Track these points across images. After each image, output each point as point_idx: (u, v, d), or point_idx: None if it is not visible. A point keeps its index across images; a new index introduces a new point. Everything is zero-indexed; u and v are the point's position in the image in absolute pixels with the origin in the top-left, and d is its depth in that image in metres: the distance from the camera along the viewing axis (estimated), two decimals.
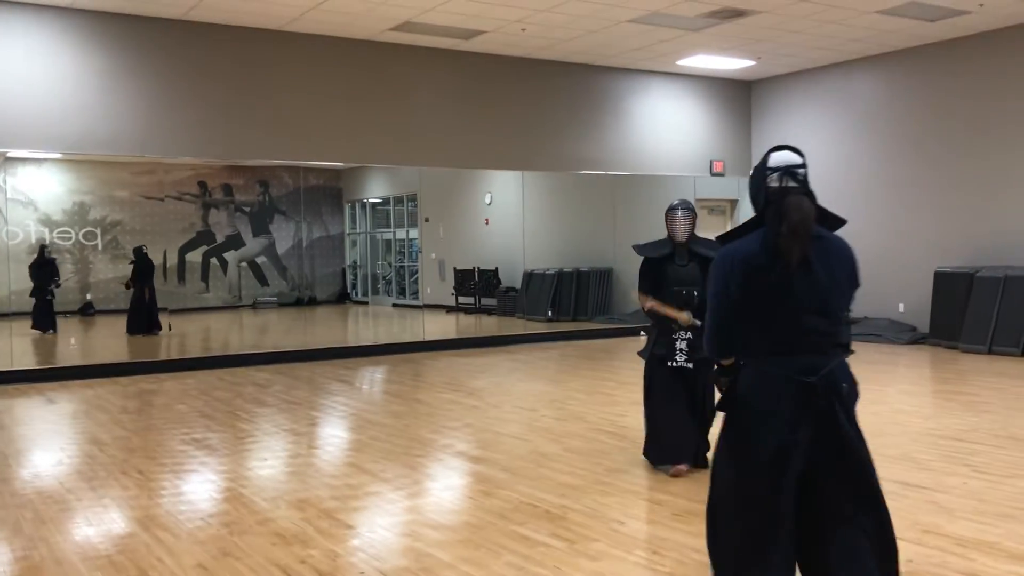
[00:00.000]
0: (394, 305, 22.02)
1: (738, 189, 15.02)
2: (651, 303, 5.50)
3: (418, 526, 4.55)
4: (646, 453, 5.68)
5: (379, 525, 4.59)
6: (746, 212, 15.22)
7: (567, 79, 13.46)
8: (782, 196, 3.05)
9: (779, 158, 3.15)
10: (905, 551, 3.96)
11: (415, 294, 21.72)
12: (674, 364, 5.44)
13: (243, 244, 22.08)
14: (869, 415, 7.10)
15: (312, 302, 22.69)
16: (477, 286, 19.37)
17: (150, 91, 10.65)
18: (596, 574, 3.81)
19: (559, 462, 5.85)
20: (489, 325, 17.17)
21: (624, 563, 3.94)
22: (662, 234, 5.68)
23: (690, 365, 5.44)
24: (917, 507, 4.66)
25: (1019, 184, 11.37)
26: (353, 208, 23.63)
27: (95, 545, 4.37)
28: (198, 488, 5.43)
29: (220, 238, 21.58)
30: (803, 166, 3.15)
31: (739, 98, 14.95)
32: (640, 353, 5.76)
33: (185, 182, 20.87)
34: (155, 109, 10.68)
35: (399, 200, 22.30)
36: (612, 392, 8.58)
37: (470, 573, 3.86)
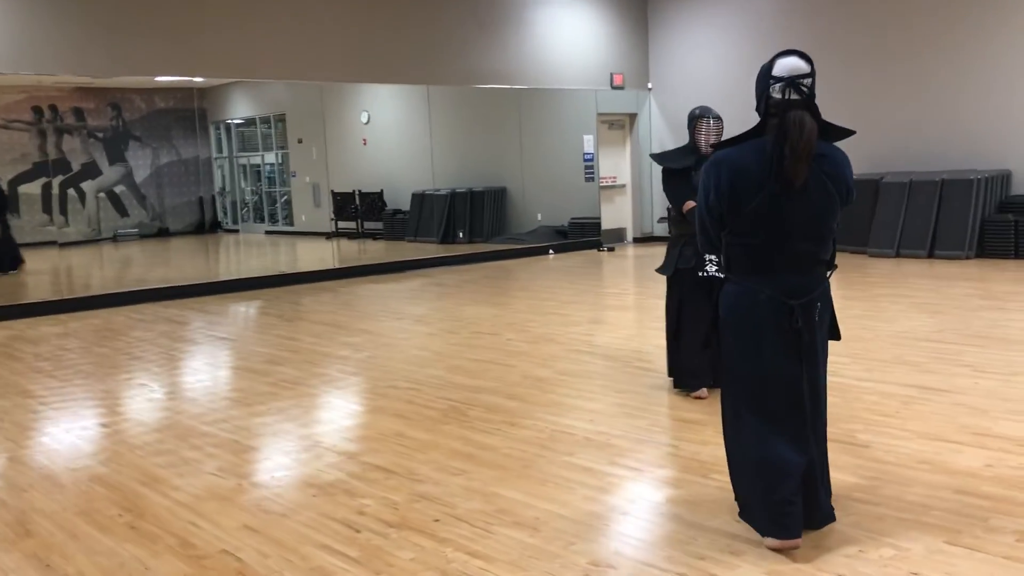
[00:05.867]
0: (267, 232, 21.01)
1: (637, 103, 14.91)
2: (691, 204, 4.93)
3: (463, 464, 4.22)
4: (676, 377, 5.28)
5: (419, 467, 4.23)
6: (644, 125, 15.27)
7: None
8: (784, 110, 2.99)
9: (785, 66, 3.05)
10: (976, 457, 3.98)
11: (287, 219, 20.80)
12: (705, 275, 4.96)
13: (99, 173, 20.42)
14: None
15: (186, 232, 21.35)
16: (360, 210, 18.65)
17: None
18: (692, 503, 3.61)
19: (561, 386, 5.62)
20: (378, 250, 16.60)
21: (708, 488, 3.76)
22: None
23: (722, 275, 5.19)
24: (950, 411, 4.69)
25: (922, 91, 11.72)
26: (218, 130, 22.20)
27: (106, 514, 3.83)
28: (190, 440, 4.88)
29: (76, 167, 19.84)
30: (810, 75, 3.06)
31: (637, 9, 14.73)
32: (660, 270, 5.31)
33: (13, 107, 18.60)
34: (23, 23, 9.47)
35: (266, 121, 21.11)
36: (563, 312, 8.38)
37: (554, 511, 3.58)
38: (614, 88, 14.52)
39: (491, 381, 5.81)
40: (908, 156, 11.82)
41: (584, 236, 14.36)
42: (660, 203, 14.77)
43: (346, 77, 12.83)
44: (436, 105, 16.82)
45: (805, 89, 3.04)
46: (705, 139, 5.02)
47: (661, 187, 5.28)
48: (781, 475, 3.11)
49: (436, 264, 13.10)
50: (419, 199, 17.02)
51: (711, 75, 13.77)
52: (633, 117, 15.05)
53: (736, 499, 3.38)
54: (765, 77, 3.09)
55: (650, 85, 14.86)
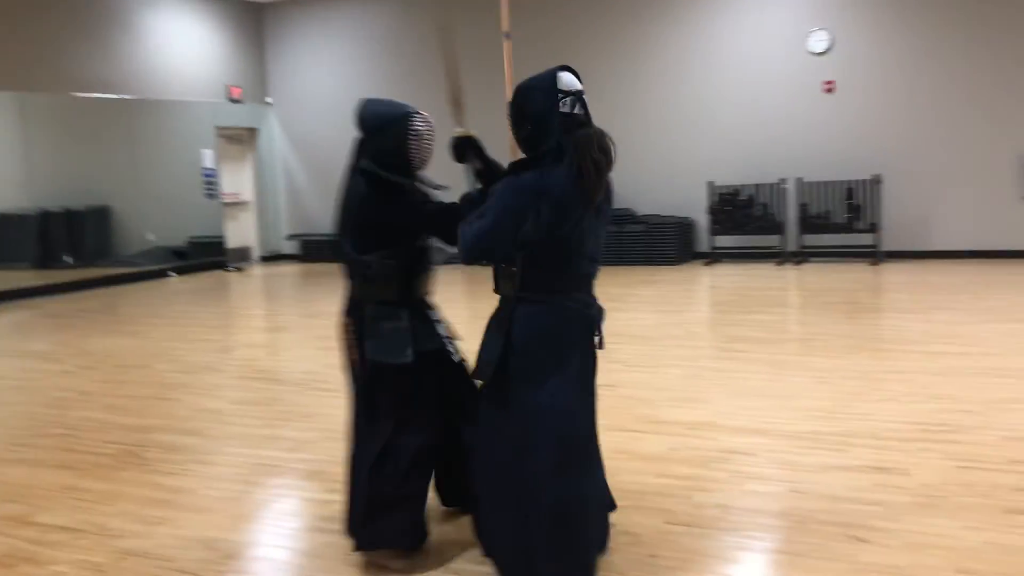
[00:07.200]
0: None
1: (257, 117, 14.48)
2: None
3: (162, 512, 3.80)
4: (365, 534, 3.23)
5: (110, 520, 3.73)
6: (266, 140, 14.82)
7: None
8: (577, 126, 2.83)
9: (567, 81, 2.85)
10: (659, 442, 4.43)
11: None
12: (456, 359, 3.36)
13: None
14: None
15: None
16: None
17: None
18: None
19: (243, 416, 5.32)
20: None
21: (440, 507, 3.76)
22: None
23: (458, 358, 3.38)
24: (622, 403, 5.09)
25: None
26: None
27: None
28: None
29: None
30: (583, 92, 2.91)
31: (252, 21, 14.33)
32: (386, 356, 3.17)
33: None
34: None
35: None
36: (212, 338, 7.90)
37: (294, 548, 3.37)
38: (231, 101, 13.98)
39: (159, 419, 5.31)
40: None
41: (207, 256, 13.62)
42: (288, 221, 14.49)
43: None
44: (24, 114, 14.93)
45: (585, 105, 2.89)
46: (422, 149, 3.26)
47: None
48: (589, 518, 2.91)
49: (35, 294, 11.67)
50: (1, 220, 14.98)
51: (331, 89, 13.80)
52: (253, 131, 14.59)
53: (499, 558, 3.00)
54: (549, 92, 2.83)
55: (270, 99, 14.52)
